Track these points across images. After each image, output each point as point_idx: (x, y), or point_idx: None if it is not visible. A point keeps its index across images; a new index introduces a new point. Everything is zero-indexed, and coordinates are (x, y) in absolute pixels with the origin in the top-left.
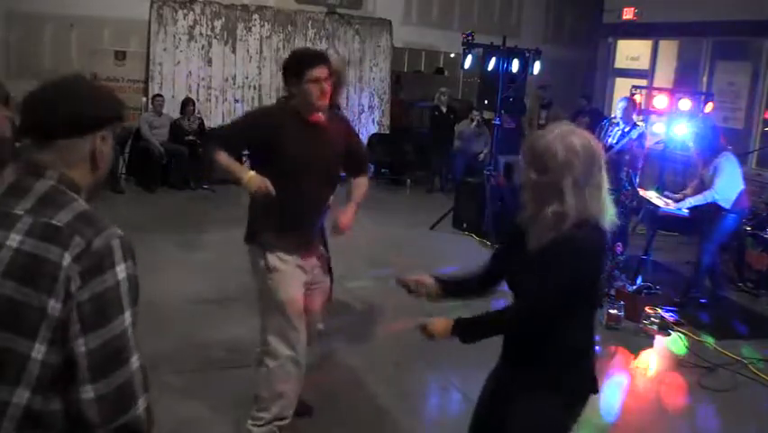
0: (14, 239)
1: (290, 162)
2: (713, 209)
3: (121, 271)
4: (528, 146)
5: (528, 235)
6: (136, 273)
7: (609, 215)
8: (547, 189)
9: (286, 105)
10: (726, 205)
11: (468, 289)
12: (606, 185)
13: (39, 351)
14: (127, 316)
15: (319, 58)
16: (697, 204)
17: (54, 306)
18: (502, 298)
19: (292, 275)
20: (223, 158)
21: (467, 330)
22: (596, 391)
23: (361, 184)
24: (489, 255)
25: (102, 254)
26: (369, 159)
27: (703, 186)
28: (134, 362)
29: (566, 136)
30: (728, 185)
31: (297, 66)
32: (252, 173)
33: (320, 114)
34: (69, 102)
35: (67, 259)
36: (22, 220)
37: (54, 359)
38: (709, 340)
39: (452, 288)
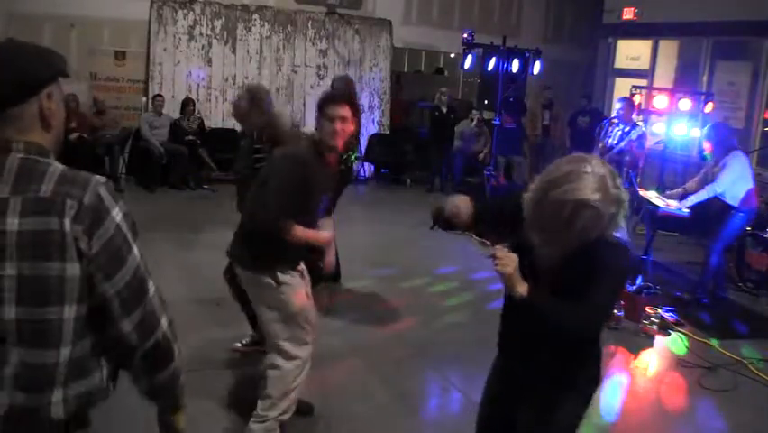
0: (12, 223)
1: (315, 201)
2: (721, 208)
3: (117, 213)
4: (557, 182)
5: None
6: (128, 209)
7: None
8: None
9: (312, 145)
10: (734, 203)
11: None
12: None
13: (70, 311)
14: (135, 249)
15: (339, 97)
16: (699, 201)
17: (72, 268)
18: (499, 298)
19: (299, 285)
20: (300, 233)
21: (537, 297)
22: (598, 386)
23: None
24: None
25: (96, 207)
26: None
27: (707, 181)
28: (151, 287)
29: (596, 178)
30: (734, 182)
31: (321, 100)
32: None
33: (335, 157)
34: (8, 67)
35: (67, 224)
36: (10, 202)
37: (83, 310)
38: (711, 340)
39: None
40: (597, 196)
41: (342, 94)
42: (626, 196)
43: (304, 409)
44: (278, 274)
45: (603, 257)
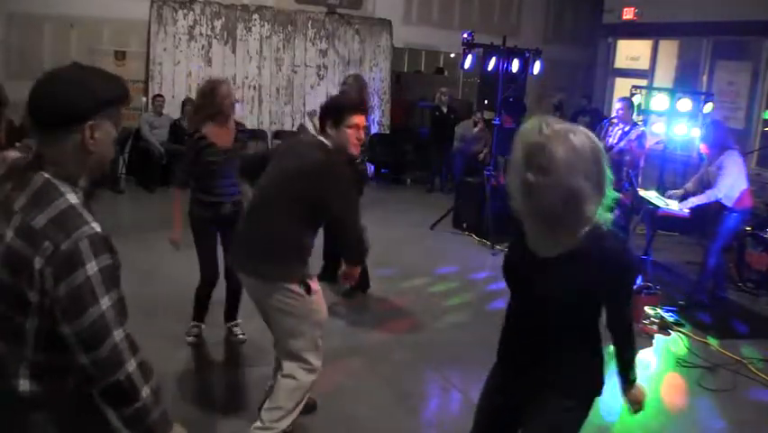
0: (9, 235)
1: (329, 211)
2: (716, 208)
3: (91, 267)
4: (523, 140)
5: (535, 240)
6: (112, 262)
7: (608, 215)
8: (554, 194)
9: (336, 154)
10: (729, 203)
11: None
12: (610, 180)
13: (31, 324)
14: (104, 302)
15: (361, 108)
16: (700, 204)
17: (34, 296)
18: (499, 298)
19: (322, 293)
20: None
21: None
22: (600, 393)
23: None
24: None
25: (70, 256)
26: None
27: (706, 183)
28: (117, 335)
29: (567, 136)
30: (732, 184)
31: (340, 110)
32: None
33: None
34: (51, 95)
35: (39, 261)
36: (15, 218)
37: (46, 327)
38: (710, 340)
39: None
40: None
41: (362, 101)
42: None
43: (308, 406)
44: (309, 282)
45: (614, 258)
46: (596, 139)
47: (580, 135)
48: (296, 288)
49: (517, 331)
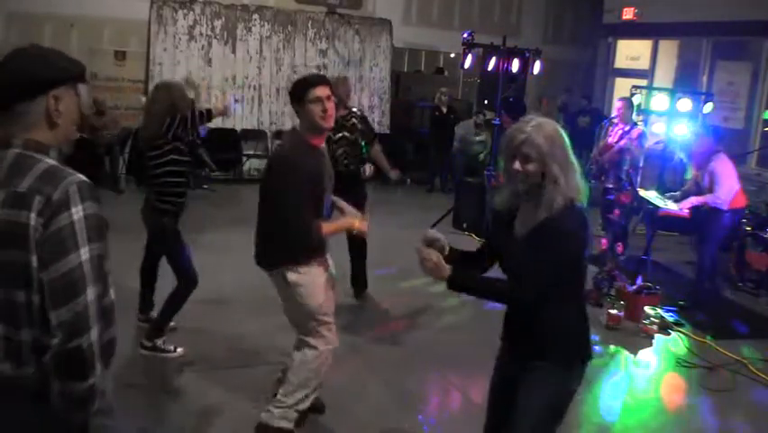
0: None
1: (321, 189)
2: (708, 210)
3: (76, 211)
4: (509, 139)
5: (516, 221)
6: (96, 212)
7: (584, 193)
8: (535, 177)
9: (299, 137)
10: (724, 207)
11: (471, 263)
12: (578, 168)
13: (34, 299)
14: (83, 251)
15: (319, 78)
16: (698, 204)
17: (33, 258)
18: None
19: (321, 277)
20: (326, 229)
21: (459, 280)
22: (590, 357)
23: None
24: (484, 241)
25: (60, 203)
26: None
27: (698, 189)
28: (90, 294)
29: (543, 127)
30: (728, 188)
31: (299, 89)
32: (357, 224)
33: (322, 137)
34: (11, 69)
35: (33, 217)
36: None
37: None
38: (710, 340)
39: (458, 256)
40: (547, 128)
41: (316, 75)
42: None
43: (317, 407)
44: (298, 268)
45: (546, 226)
46: (558, 128)
47: (551, 125)
48: (290, 276)
49: (507, 307)
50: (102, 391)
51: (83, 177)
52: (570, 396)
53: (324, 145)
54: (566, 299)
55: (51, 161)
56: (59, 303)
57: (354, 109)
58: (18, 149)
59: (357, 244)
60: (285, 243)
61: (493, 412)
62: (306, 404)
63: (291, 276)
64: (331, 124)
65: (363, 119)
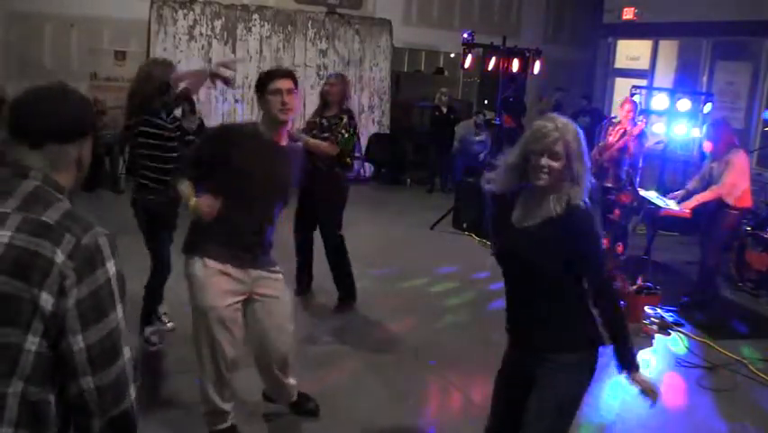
0: (5, 235)
1: (243, 181)
2: (714, 207)
3: (111, 267)
4: (540, 136)
5: (515, 208)
6: (121, 268)
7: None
8: (559, 174)
9: (253, 124)
10: (730, 200)
11: None
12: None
13: (32, 342)
14: (119, 310)
15: (281, 72)
16: (704, 201)
17: (47, 299)
18: (499, 298)
19: (208, 279)
20: (183, 187)
21: (633, 357)
22: (601, 343)
23: None
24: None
25: (92, 251)
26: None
27: (709, 180)
28: (126, 353)
29: (571, 127)
30: (736, 182)
31: (262, 80)
32: (195, 201)
33: (282, 133)
34: (60, 111)
35: (60, 256)
36: (11, 217)
37: (47, 351)
38: (711, 340)
39: None
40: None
41: (279, 69)
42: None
43: (309, 410)
44: (193, 262)
45: (583, 225)
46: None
47: (574, 125)
48: (192, 267)
49: (514, 302)
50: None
51: (105, 231)
52: (586, 386)
53: (284, 145)
54: (579, 290)
55: (70, 205)
56: (99, 368)
57: (346, 108)
58: (37, 181)
59: (323, 237)
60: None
61: (499, 412)
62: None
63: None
64: (288, 117)
65: (351, 119)
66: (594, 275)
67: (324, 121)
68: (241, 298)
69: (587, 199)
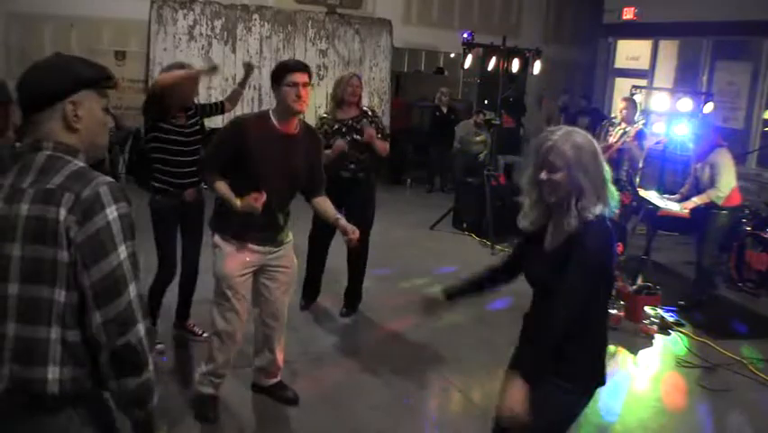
0: (24, 209)
1: (255, 168)
2: (703, 207)
3: (111, 212)
4: (536, 148)
5: (546, 233)
6: (128, 212)
7: (613, 205)
8: (563, 187)
9: (263, 116)
10: (719, 201)
11: (474, 291)
12: (609, 176)
13: (60, 294)
14: (121, 250)
15: (299, 66)
16: (702, 203)
17: (62, 254)
18: (499, 298)
19: (234, 255)
20: (220, 186)
21: (532, 372)
22: (603, 383)
23: (324, 201)
24: (511, 252)
25: (91, 201)
26: (325, 181)
27: (698, 183)
28: (132, 290)
29: (571, 135)
30: (727, 182)
31: (279, 71)
32: (243, 200)
33: (293, 123)
34: (28, 80)
35: (62, 213)
36: (27, 192)
37: (74, 298)
38: (711, 340)
39: (459, 295)
40: (574, 137)
41: (298, 62)
42: (596, 146)
43: (288, 399)
44: (216, 236)
45: (582, 240)
46: (588, 139)
47: (580, 134)
48: (216, 239)
49: (526, 320)
50: (155, 383)
51: (111, 179)
52: (575, 418)
53: (296, 133)
54: (589, 317)
55: (81, 163)
56: (103, 303)
57: (366, 108)
58: (48, 150)
59: (356, 253)
60: (221, 207)
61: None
62: (220, 374)
63: (218, 239)
64: (303, 108)
65: (375, 118)
66: (564, 294)
67: (350, 122)
68: (253, 269)
69: (605, 213)
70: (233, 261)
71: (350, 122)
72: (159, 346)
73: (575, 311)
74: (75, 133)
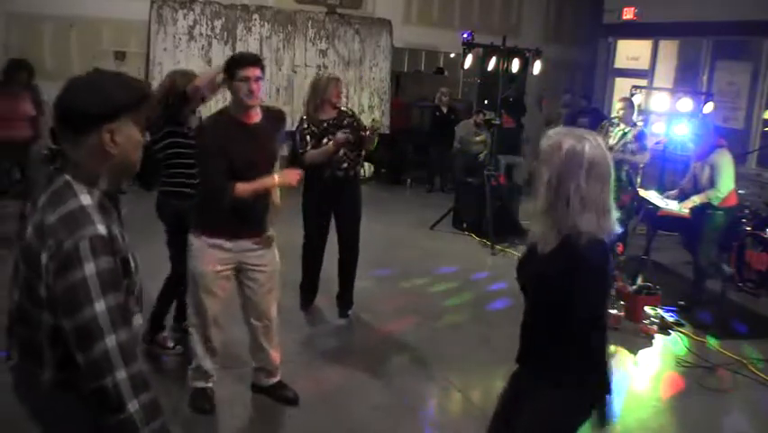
0: (30, 232)
1: (234, 163)
2: (699, 208)
3: (89, 268)
4: (541, 147)
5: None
6: (111, 267)
7: (608, 229)
8: (552, 197)
9: (223, 112)
10: (716, 202)
11: None
12: (610, 200)
13: (48, 317)
14: (98, 304)
15: (249, 59)
16: (701, 203)
17: (43, 290)
18: (499, 298)
19: (208, 252)
20: (242, 188)
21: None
22: (606, 392)
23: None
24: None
25: (70, 255)
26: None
27: (696, 182)
28: (109, 341)
29: (561, 144)
30: (727, 183)
31: (231, 66)
32: (277, 176)
33: (252, 113)
34: (68, 100)
35: (44, 258)
36: (36, 215)
37: (55, 322)
38: (711, 340)
39: None
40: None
41: (248, 55)
42: (605, 161)
43: (289, 399)
44: (191, 233)
45: (577, 263)
46: (596, 149)
47: (570, 143)
48: (191, 237)
49: (521, 326)
50: (142, 420)
51: (101, 230)
52: (574, 427)
53: (258, 121)
54: (581, 326)
55: (86, 201)
56: (78, 349)
57: (344, 109)
58: (68, 176)
59: (348, 248)
60: (199, 204)
61: (497, 422)
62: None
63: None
64: (255, 103)
65: (355, 117)
66: (578, 320)
67: (333, 122)
68: (230, 266)
69: (598, 234)
70: (207, 257)
71: (333, 121)
72: (177, 348)
73: (587, 323)
74: (106, 160)
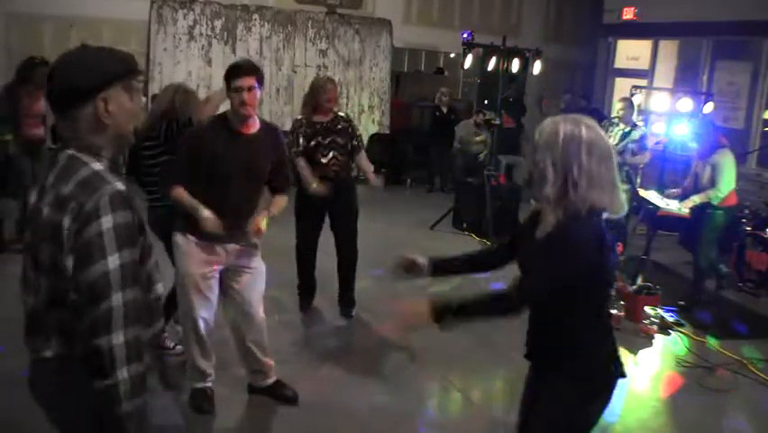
0: (45, 210)
1: (216, 169)
2: (699, 207)
3: (106, 221)
4: (537, 131)
5: (539, 224)
6: (128, 221)
7: (618, 206)
8: (547, 179)
9: (221, 117)
10: (715, 202)
11: (459, 268)
12: (615, 176)
13: (72, 295)
14: (111, 260)
15: (244, 69)
16: (701, 202)
17: (68, 258)
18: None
19: (194, 252)
20: (178, 194)
21: (452, 319)
22: (621, 375)
23: (279, 201)
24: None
25: (90, 213)
26: (290, 180)
27: (697, 182)
28: (117, 298)
29: (557, 127)
30: (728, 183)
31: (227, 75)
32: (207, 214)
33: (249, 123)
34: (58, 77)
35: (67, 221)
36: (48, 193)
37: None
38: (711, 340)
39: (443, 268)
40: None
41: (242, 65)
42: (604, 142)
43: (288, 398)
44: (177, 234)
45: (560, 233)
46: (592, 130)
47: (569, 126)
48: (177, 238)
49: (529, 315)
50: (127, 392)
51: (119, 186)
52: (588, 417)
53: (254, 132)
54: (583, 313)
55: (97, 167)
56: (85, 306)
57: (341, 113)
58: (72, 150)
59: (346, 248)
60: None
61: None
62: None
63: (178, 237)
64: (249, 113)
65: (350, 122)
66: (531, 280)
67: (327, 124)
68: (217, 267)
69: (602, 206)
70: (193, 258)
71: (327, 124)
72: (178, 348)
73: (529, 303)
74: (103, 130)
